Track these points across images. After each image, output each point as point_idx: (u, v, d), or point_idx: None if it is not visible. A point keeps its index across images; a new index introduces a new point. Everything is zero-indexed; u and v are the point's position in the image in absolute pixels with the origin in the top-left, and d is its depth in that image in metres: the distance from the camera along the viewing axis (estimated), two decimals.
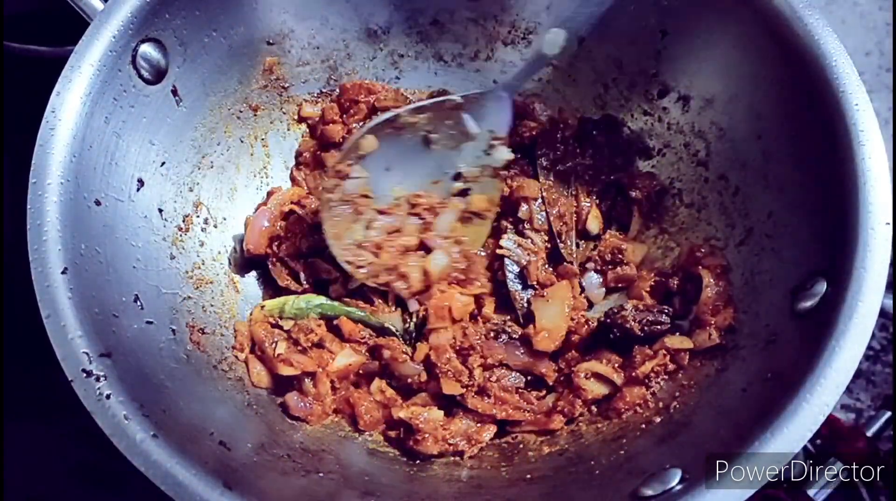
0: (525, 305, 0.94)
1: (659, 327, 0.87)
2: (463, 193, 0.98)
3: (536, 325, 0.90)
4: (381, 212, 0.96)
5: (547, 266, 0.96)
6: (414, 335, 0.93)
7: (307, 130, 1.04)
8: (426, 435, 0.83)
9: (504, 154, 0.96)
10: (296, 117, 1.03)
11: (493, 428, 0.86)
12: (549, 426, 0.86)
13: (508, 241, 0.95)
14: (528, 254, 0.94)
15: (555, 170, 0.99)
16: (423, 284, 0.92)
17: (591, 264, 0.96)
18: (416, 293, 0.92)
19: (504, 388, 0.88)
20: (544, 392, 0.91)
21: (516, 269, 0.95)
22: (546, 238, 0.97)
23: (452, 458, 0.85)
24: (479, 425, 0.86)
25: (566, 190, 0.99)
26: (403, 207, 0.97)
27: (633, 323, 0.87)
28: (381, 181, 0.96)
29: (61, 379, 0.64)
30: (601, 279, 0.96)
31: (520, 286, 0.94)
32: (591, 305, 0.97)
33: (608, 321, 0.89)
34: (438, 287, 0.93)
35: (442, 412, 0.86)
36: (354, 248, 0.94)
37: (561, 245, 0.96)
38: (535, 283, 0.93)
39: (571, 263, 0.96)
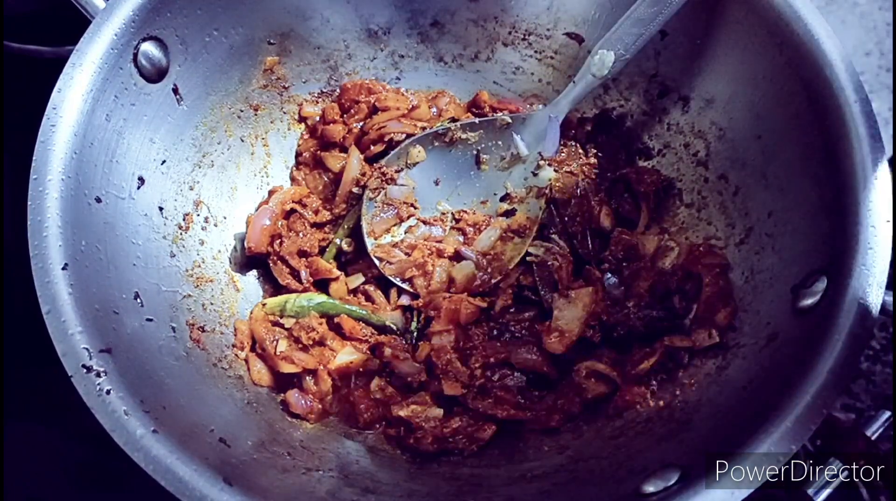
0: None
1: (662, 323, 0.87)
2: (508, 213, 0.99)
3: (551, 324, 0.90)
4: (424, 222, 0.99)
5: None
6: (415, 334, 0.92)
7: (307, 130, 1.04)
8: (426, 434, 0.83)
9: (550, 174, 0.98)
10: (296, 117, 1.03)
11: (493, 427, 0.86)
12: (550, 425, 0.86)
13: (538, 248, 0.95)
14: (557, 258, 0.94)
15: (562, 171, 0.99)
16: (444, 287, 0.93)
17: (605, 266, 0.96)
18: (432, 293, 0.92)
19: (505, 387, 0.88)
20: (545, 391, 0.91)
21: (546, 274, 0.94)
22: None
23: (453, 457, 0.84)
24: (479, 424, 0.86)
25: (575, 190, 0.99)
26: (448, 221, 0.99)
27: (636, 321, 0.87)
28: (429, 193, 1.00)
29: (61, 379, 0.64)
30: (617, 279, 0.96)
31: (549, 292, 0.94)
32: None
33: (611, 319, 0.89)
34: (444, 293, 0.93)
35: (441, 411, 0.86)
36: (388, 246, 0.95)
37: (577, 245, 0.96)
38: (564, 287, 0.93)
39: (590, 262, 0.96)
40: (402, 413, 0.84)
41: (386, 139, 0.99)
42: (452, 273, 0.92)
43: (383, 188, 0.96)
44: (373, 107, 1.02)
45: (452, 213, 0.99)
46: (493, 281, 0.93)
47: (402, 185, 0.97)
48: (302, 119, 1.04)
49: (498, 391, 0.87)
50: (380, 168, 0.96)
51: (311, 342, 0.87)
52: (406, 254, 0.95)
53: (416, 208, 0.98)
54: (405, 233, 0.97)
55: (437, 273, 0.92)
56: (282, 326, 0.89)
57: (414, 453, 0.84)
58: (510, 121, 0.98)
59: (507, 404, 0.86)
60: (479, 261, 0.94)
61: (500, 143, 0.99)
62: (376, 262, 0.94)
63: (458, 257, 0.95)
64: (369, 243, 0.95)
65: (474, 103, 1.05)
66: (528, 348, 0.89)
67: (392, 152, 0.97)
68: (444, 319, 0.89)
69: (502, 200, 1.00)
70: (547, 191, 0.97)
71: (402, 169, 0.97)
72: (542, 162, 0.98)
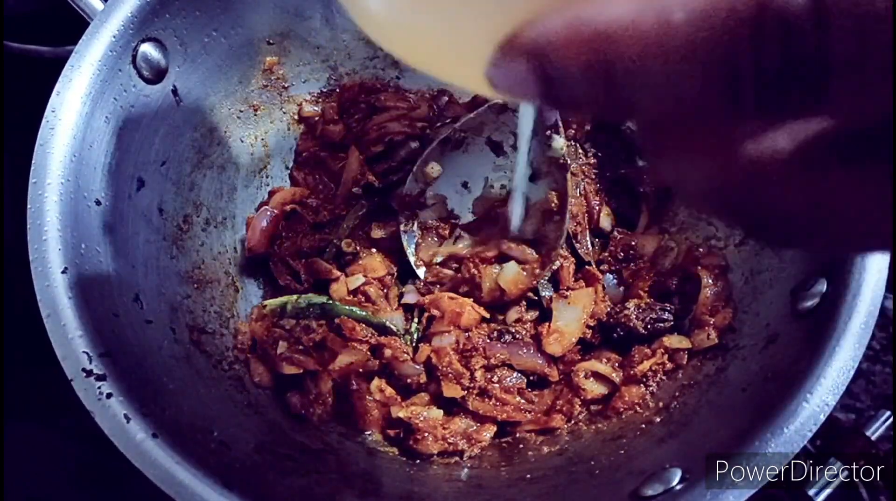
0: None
1: (662, 324, 0.87)
2: (533, 178, 0.95)
3: (550, 326, 0.89)
4: (466, 229, 0.97)
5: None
6: (416, 335, 0.92)
7: (307, 130, 1.04)
8: (425, 434, 0.83)
9: (559, 143, 0.93)
10: (296, 117, 1.03)
11: (493, 428, 0.86)
12: (550, 425, 0.86)
13: None
14: (559, 259, 0.93)
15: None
16: (493, 295, 0.92)
17: (604, 266, 0.96)
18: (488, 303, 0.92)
19: (505, 389, 0.88)
20: (545, 389, 0.91)
21: (548, 274, 0.94)
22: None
23: (452, 458, 0.84)
24: (479, 425, 0.86)
25: (574, 190, 0.98)
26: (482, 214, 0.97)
27: (636, 322, 0.87)
28: (462, 198, 0.98)
29: (61, 379, 0.64)
30: (617, 279, 0.95)
31: (550, 292, 0.93)
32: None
33: (611, 320, 0.89)
34: (449, 294, 0.92)
35: (441, 412, 0.86)
36: (437, 268, 0.95)
37: (577, 245, 0.96)
38: (565, 288, 0.92)
39: (590, 263, 0.95)
40: (401, 414, 0.84)
41: (386, 140, 0.99)
42: (499, 281, 0.91)
43: (414, 217, 0.95)
44: (372, 106, 1.02)
45: (484, 205, 0.97)
46: (545, 269, 0.92)
47: (430, 205, 0.96)
48: (302, 119, 1.04)
49: (499, 392, 0.87)
50: (403, 197, 0.95)
51: (311, 344, 0.87)
52: (454, 271, 0.94)
53: (455, 218, 0.97)
54: (452, 246, 0.96)
55: (486, 285, 0.91)
56: (282, 327, 0.89)
57: (414, 454, 0.84)
58: (503, 101, 0.93)
59: (508, 406, 0.86)
60: (524, 253, 0.93)
61: (505, 123, 0.96)
62: (432, 288, 0.93)
63: (503, 257, 0.94)
64: (421, 273, 0.94)
65: (474, 102, 1.04)
66: (528, 349, 0.89)
67: (408, 178, 0.96)
68: (445, 320, 0.89)
69: (532, 179, 0.96)
70: (563, 160, 0.94)
71: (425, 189, 0.96)
72: (549, 131, 0.94)
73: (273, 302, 0.92)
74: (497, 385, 0.87)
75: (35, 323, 0.66)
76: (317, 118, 1.03)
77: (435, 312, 0.91)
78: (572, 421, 0.87)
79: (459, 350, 0.88)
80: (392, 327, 0.92)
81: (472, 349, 0.87)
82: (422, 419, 0.84)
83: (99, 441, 0.62)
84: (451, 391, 0.86)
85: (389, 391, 0.89)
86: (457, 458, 0.84)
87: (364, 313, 0.92)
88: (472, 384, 0.86)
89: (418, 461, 0.84)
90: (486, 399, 0.87)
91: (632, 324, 0.87)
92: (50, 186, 0.70)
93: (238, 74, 0.94)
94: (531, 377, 0.90)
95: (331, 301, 0.92)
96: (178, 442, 0.63)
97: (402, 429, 0.85)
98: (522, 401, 0.88)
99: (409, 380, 0.88)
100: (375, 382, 0.89)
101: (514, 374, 0.89)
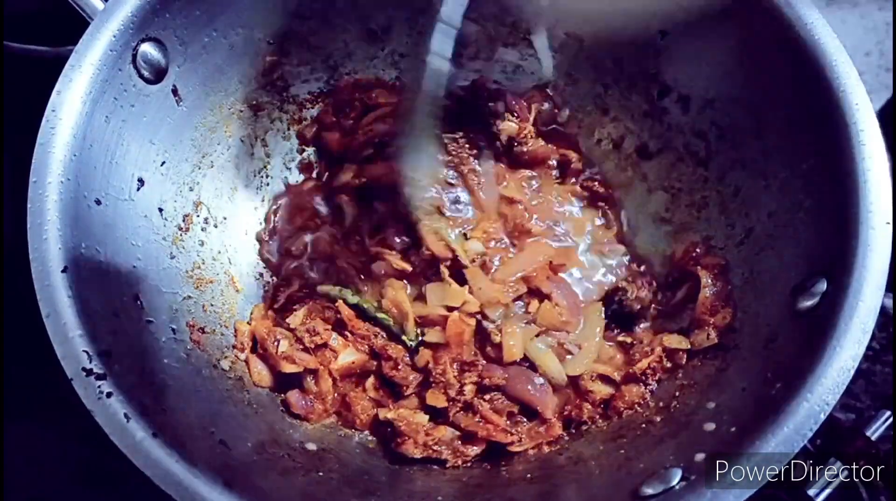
0: None
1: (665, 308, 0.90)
2: None
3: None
4: None
5: None
6: (417, 340, 0.91)
7: (301, 140, 1.05)
8: (407, 438, 0.82)
9: None
10: (296, 117, 1.03)
11: (481, 446, 0.84)
12: (552, 434, 0.86)
13: None
14: None
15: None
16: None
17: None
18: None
19: (495, 410, 0.85)
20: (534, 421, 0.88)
21: None
22: None
23: (436, 465, 0.84)
24: (467, 438, 0.85)
25: None
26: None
27: (631, 301, 0.90)
28: None
29: (61, 379, 0.64)
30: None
31: None
32: None
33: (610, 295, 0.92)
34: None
35: (427, 417, 0.86)
36: None
37: None
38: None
39: None
40: (389, 416, 0.84)
41: (375, 141, 0.99)
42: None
43: None
44: (366, 105, 1.02)
45: None
46: None
47: None
48: (301, 120, 1.04)
49: (486, 411, 0.84)
50: None
51: (313, 345, 0.87)
52: None
53: None
54: None
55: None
56: (285, 326, 0.89)
57: (400, 458, 0.83)
58: None
59: (493, 425, 0.84)
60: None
61: None
62: None
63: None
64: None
65: (474, 87, 1.04)
66: (526, 379, 0.87)
67: None
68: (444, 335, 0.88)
69: None
70: None
71: None
72: None
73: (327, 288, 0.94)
74: (487, 404, 0.85)
75: (35, 323, 0.65)
76: (309, 122, 1.04)
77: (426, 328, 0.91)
78: (571, 424, 0.87)
79: (458, 361, 0.87)
80: (394, 329, 0.91)
81: (471, 364, 0.86)
82: (406, 422, 0.83)
83: (99, 441, 0.62)
84: (433, 398, 0.85)
85: (382, 391, 0.89)
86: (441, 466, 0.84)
87: (383, 315, 0.91)
88: (458, 397, 0.85)
89: (410, 460, 0.84)
90: (471, 414, 0.85)
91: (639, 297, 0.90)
92: (50, 186, 0.70)
93: (238, 73, 0.94)
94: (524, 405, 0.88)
95: (366, 301, 0.93)
96: (177, 441, 0.63)
97: (390, 431, 0.85)
98: (509, 425, 0.86)
99: (403, 385, 0.88)
100: (371, 380, 0.89)
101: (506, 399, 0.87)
